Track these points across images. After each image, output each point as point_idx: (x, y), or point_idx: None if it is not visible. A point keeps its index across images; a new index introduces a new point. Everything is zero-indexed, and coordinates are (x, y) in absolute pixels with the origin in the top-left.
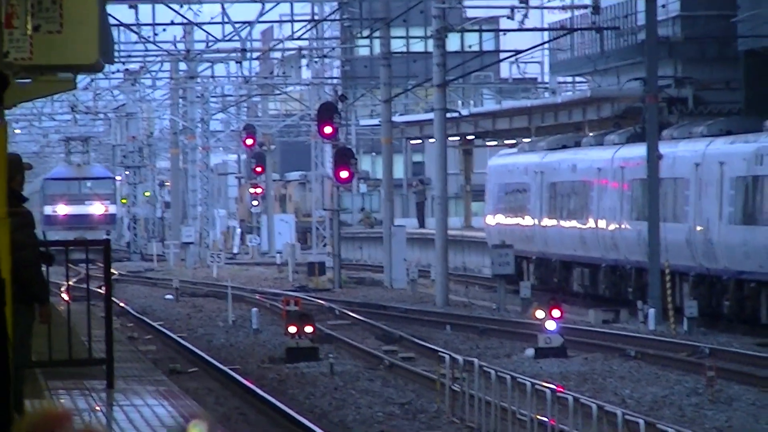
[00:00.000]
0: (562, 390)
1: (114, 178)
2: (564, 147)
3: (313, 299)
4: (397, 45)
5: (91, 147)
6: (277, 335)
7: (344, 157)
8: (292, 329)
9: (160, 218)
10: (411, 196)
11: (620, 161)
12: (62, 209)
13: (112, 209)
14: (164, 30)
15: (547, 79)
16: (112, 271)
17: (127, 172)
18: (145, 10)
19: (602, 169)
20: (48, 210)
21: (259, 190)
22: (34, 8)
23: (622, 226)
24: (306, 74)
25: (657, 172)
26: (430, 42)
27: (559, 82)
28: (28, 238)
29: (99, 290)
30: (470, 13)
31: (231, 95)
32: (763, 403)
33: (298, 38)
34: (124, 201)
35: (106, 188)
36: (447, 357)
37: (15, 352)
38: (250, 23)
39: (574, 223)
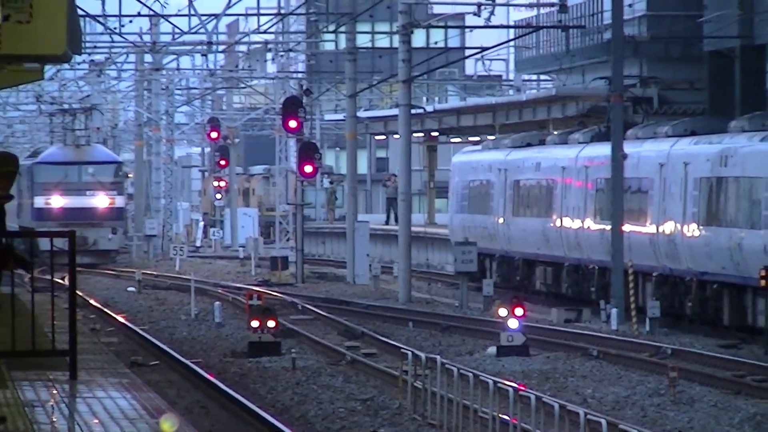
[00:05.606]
0: (524, 388)
1: (121, 163)
2: (528, 145)
3: (275, 294)
4: (362, 40)
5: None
6: (239, 329)
7: (308, 152)
8: (255, 323)
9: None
10: (374, 191)
11: (584, 160)
12: (57, 201)
13: (119, 201)
14: (130, 21)
15: (512, 76)
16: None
17: None
18: (111, 1)
19: (566, 167)
20: (39, 202)
21: (222, 184)
22: None
23: (586, 226)
24: (271, 68)
25: (621, 171)
26: (396, 38)
27: (524, 80)
28: None
29: (62, 281)
30: (436, 9)
31: (196, 88)
32: (725, 405)
33: (264, 32)
34: None
35: (112, 175)
36: (409, 354)
37: None
38: (216, 16)
39: (537, 221)
